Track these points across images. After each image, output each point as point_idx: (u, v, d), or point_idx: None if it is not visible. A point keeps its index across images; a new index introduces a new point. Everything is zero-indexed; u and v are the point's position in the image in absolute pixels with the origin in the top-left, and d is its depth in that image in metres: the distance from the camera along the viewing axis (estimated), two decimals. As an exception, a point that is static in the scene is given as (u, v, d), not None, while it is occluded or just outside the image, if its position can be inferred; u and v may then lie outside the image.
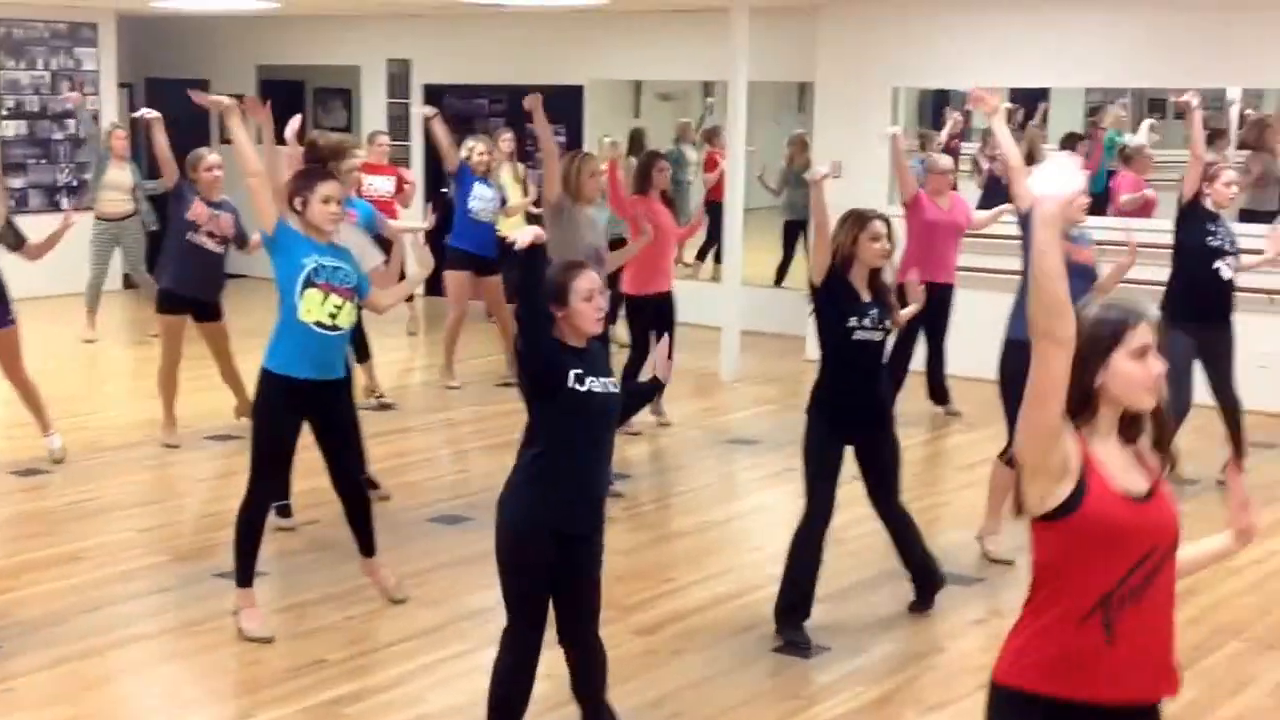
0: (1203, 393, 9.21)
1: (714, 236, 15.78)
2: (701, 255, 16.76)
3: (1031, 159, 15.35)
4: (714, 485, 9.78)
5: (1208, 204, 8.87)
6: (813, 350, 12.85)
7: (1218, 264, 8.86)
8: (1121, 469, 3.44)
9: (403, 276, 7.62)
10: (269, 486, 6.98)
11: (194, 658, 6.67)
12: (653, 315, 10.31)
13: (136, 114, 11.15)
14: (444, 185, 13.24)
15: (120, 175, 14.24)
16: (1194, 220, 8.86)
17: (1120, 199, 13.21)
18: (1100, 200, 12.81)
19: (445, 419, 11.42)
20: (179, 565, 7.86)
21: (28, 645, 6.65)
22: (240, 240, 9.93)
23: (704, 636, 6.91)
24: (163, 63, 18.73)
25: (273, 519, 7.69)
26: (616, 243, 10.70)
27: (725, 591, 7.51)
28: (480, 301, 12.43)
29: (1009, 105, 13.11)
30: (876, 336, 6.75)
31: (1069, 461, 3.37)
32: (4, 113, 16.65)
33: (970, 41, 12.84)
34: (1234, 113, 15.74)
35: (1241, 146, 13.74)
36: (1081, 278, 7.88)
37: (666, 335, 5.91)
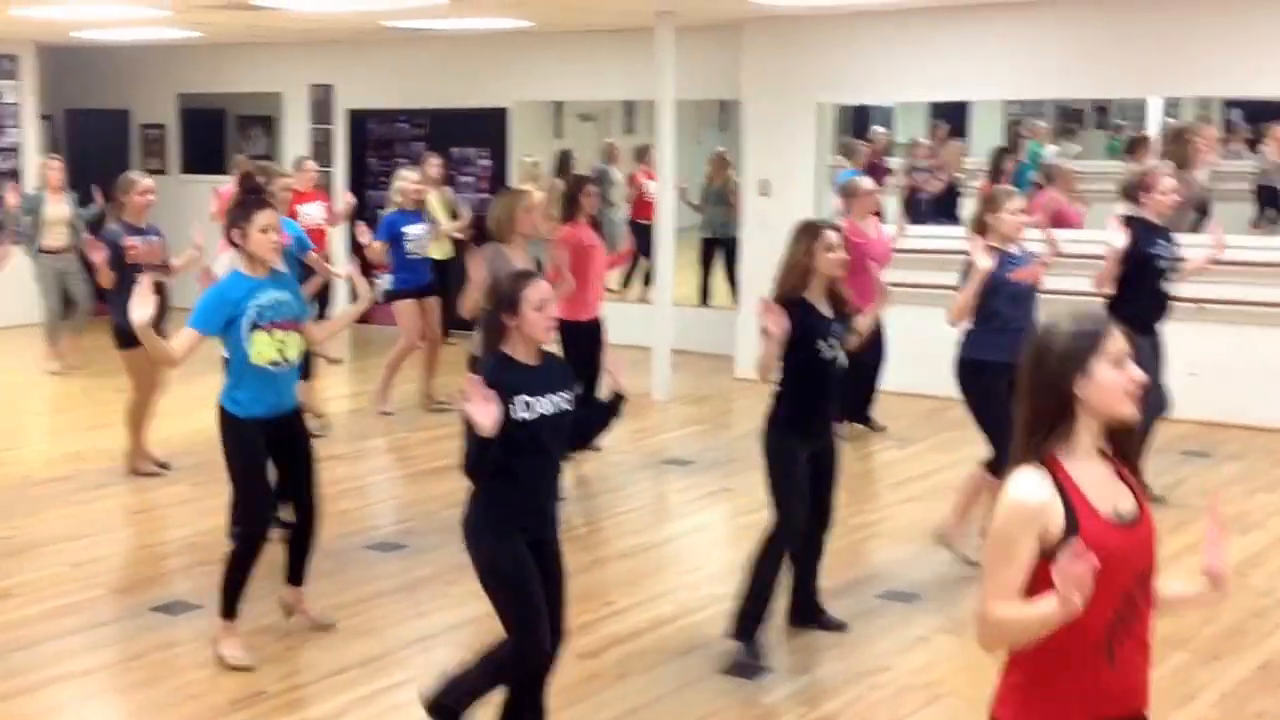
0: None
1: (636, 257, 15.78)
2: (627, 280, 16.71)
3: (953, 190, 15.46)
4: (649, 507, 9.75)
5: (1147, 215, 8.85)
6: (743, 369, 13.05)
7: (1162, 283, 8.87)
8: (1104, 490, 3.38)
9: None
10: (264, 517, 6.87)
11: (132, 693, 6.56)
12: (586, 342, 10.22)
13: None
14: (367, 215, 13.20)
15: (58, 209, 14.02)
16: (1145, 236, 8.82)
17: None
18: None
19: (375, 445, 11.35)
20: (114, 600, 7.74)
21: (-41, 685, 6.54)
22: (165, 266, 9.84)
23: (647, 659, 6.86)
24: (83, 93, 18.58)
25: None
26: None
27: (667, 613, 7.46)
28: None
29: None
30: (840, 353, 6.76)
31: (1049, 528, 3.31)
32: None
33: (893, 57, 12.89)
34: (1155, 123, 15.95)
35: (1163, 157, 13.84)
36: (1028, 299, 7.97)
37: (610, 355, 5.85)
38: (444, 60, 16.11)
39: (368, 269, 9.49)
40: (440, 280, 13.37)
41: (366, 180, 16.82)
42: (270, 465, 6.83)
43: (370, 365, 12.91)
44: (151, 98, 18.46)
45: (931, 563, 8.26)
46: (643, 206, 15.81)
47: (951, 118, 17.21)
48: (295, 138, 17.41)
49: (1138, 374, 3.38)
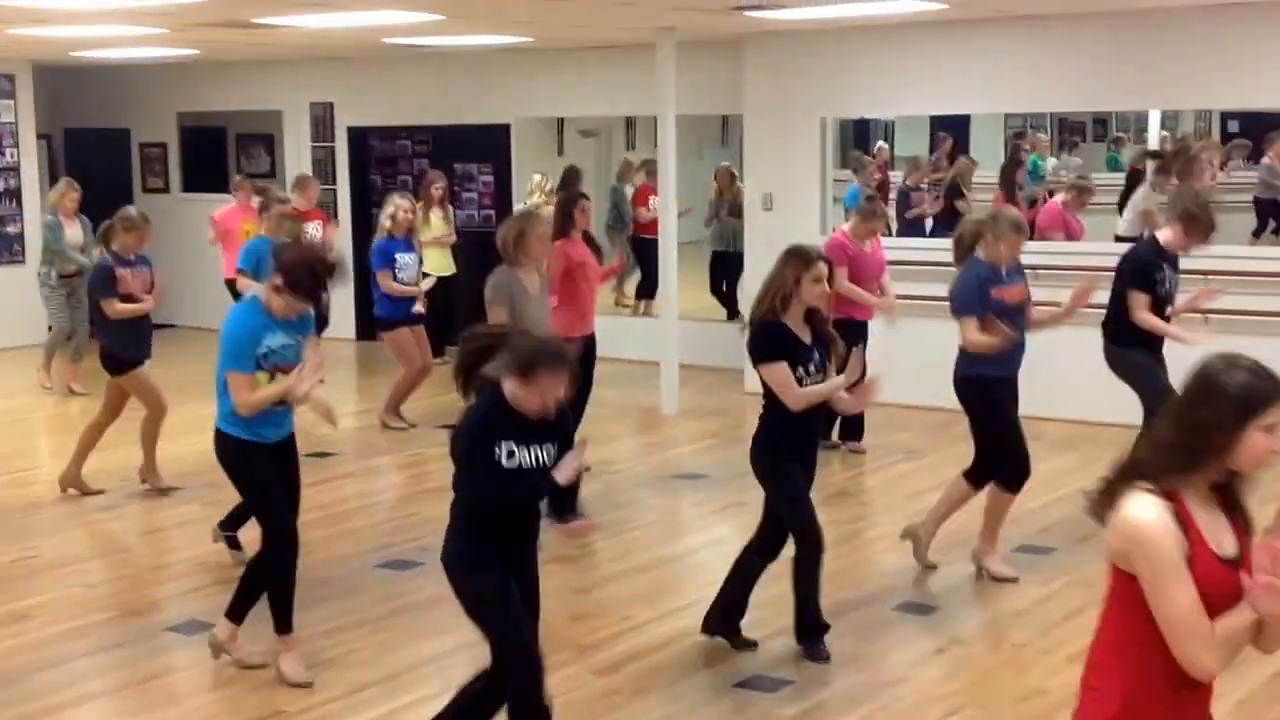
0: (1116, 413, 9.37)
1: (624, 272, 15.79)
2: (640, 294, 16.66)
3: (958, 192, 15.53)
4: (663, 521, 9.74)
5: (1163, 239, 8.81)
6: (752, 383, 12.96)
7: (1168, 310, 8.81)
8: (1216, 530, 3.39)
9: None
10: (288, 530, 6.84)
11: (149, 714, 6.56)
12: (580, 358, 10.14)
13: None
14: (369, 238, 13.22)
15: (74, 234, 13.95)
16: (1154, 265, 8.78)
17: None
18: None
19: (385, 463, 11.35)
20: (128, 621, 7.73)
21: (-21, 707, 6.53)
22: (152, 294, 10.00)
23: (665, 675, 6.87)
24: (81, 113, 18.58)
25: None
26: None
27: (684, 628, 7.44)
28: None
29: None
30: (820, 379, 6.76)
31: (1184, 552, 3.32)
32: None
33: (894, 71, 12.92)
34: (1154, 135, 16.02)
35: (1160, 171, 13.89)
36: (1018, 313, 7.99)
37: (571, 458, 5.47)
38: (445, 77, 16.11)
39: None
40: (444, 295, 13.41)
41: (370, 198, 16.80)
42: None
43: (376, 384, 12.90)
44: (151, 117, 18.45)
45: (947, 575, 8.28)
46: (647, 222, 15.77)
47: (953, 131, 17.27)
48: (296, 156, 17.40)
49: (1277, 443, 3.35)
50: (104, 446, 10.25)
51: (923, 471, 10.61)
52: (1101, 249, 11.87)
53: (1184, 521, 3.32)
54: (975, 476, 8.19)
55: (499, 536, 5.31)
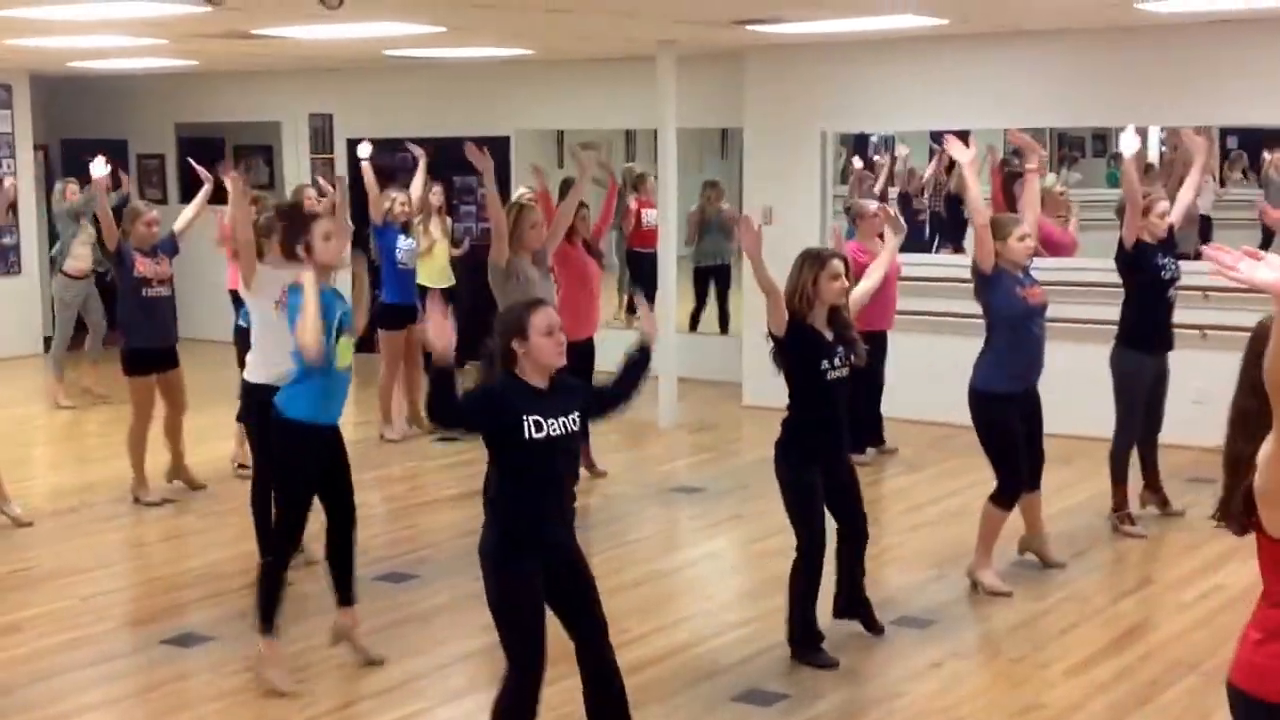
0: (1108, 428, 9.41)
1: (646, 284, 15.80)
2: (632, 307, 16.64)
3: (960, 200, 15.62)
4: (661, 534, 9.73)
5: (1145, 237, 8.99)
6: (751, 397, 13.05)
7: (1170, 292, 9.06)
8: None
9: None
10: (297, 539, 6.95)
11: (146, 726, 6.55)
12: (580, 360, 10.15)
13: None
14: (363, 239, 13.19)
15: (84, 231, 13.82)
16: (1146, 256, 8.96)
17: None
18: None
19: (383, 475, 11.32)
20: (126, 632, 7.74)
21: (-26, 719, 6.51)
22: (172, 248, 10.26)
23: (662, 688, 6.84)
24: (79, 123, 18.56)
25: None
26: None
27: (681, 640, 7.45)
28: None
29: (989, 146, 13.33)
30: (845, 374, 6.91)
31: None
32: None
33: (895, 85, 12.92)
34: (1154, 151, 16.02)
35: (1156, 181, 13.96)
36: (1038, 316, 8.06)
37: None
38: (445, 89, 16.12)
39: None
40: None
41: (367, 209, 16.72)
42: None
43: (372, 395, 12.88)
44: (149, 127, 18.44)
45: (944, 588, 8.27)
46: (639, 235, 15.75)
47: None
48: (295, 167, 17.39)
49: None
50: (94, 458, 10.26)
51: (920, 486, 10.61)
52: (1102, 265, 11.89)
53: None
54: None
55: (533, 528, 5.31)
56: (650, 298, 14.93)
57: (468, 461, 10.31)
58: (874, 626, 7.41)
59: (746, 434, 12.38)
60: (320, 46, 13.47)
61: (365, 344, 14.97)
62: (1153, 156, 16.14)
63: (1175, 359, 9.27)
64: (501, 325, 5.36)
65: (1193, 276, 9.42)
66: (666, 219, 13.00)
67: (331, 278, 6.86)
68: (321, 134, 17.28)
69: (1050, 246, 11.67)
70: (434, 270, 13.80)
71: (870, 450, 11.27)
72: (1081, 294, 11.23)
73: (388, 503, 10.74)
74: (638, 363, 5.73)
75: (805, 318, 6.82)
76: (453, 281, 14.25)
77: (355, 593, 7.17)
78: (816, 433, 6.91)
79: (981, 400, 8.05)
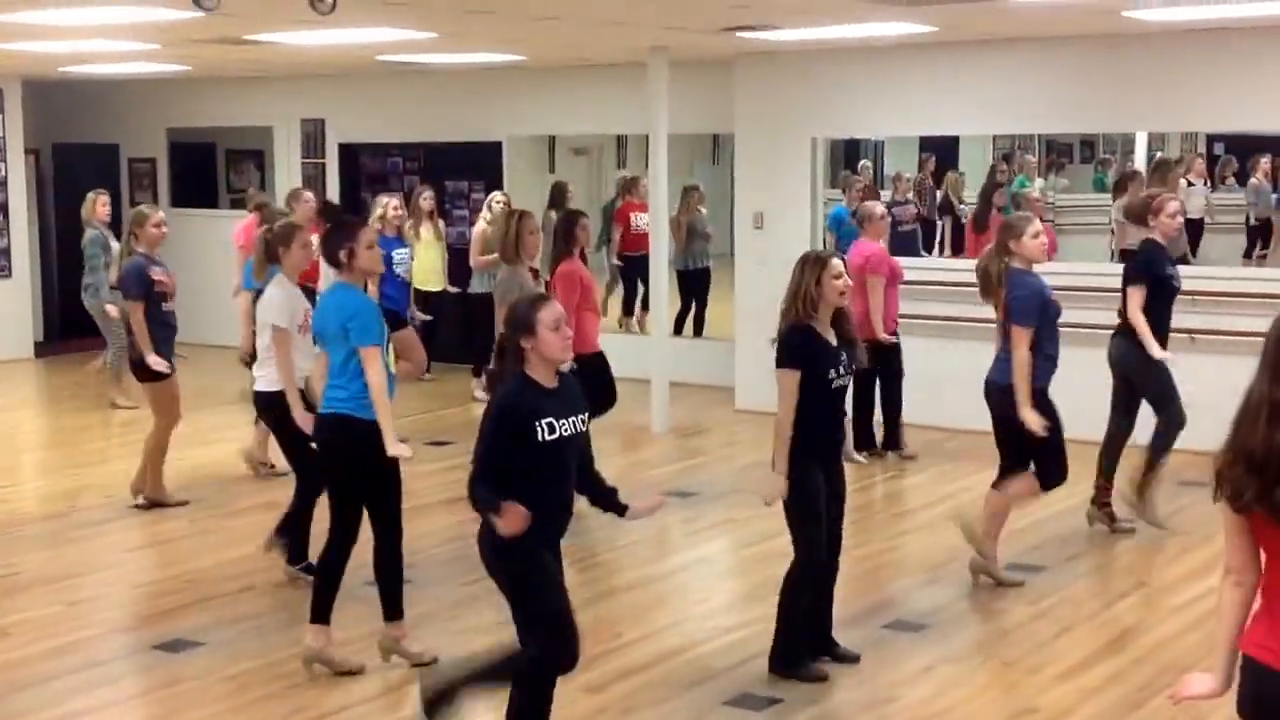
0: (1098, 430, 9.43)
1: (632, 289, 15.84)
2: (625, 310, 16.62)
3: (950, 205, 15.68)
4: (653, 539, 9.69)
5: (1156, 238, 9.00)
6: (743, 401, 13.04)
7: (1171, 307, 9.13)
8: None
9: None
10: (353, 533, 7.01)
11: (135, 732, 6.53)
12: (591, 374, 10.09)
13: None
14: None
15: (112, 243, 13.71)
16: (1159, 262, 8.98)
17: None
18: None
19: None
20: (114, 638, 7.71)
21: (-41, 725, 6.49)
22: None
23: (654, 692, 6.83)
24: (70, 128, 18.52)
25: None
26: None
27: (673, 645, 7.44)
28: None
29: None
30: (849, 380, 6.91)
31: None
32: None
33: (885, 92, 12.95)
34: (1141, 157, 16.05)
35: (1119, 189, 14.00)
36: (1058, 318, 8.12)
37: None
38: (437, 94, 16.10)
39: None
40: (435, 313, 13.39)
41: (361, 214, 16.72)
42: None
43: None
44: (141, 132, 18.41)
45: (937, 592, 8.28)
46: (630, 239, 15.74)
47: (941, 151, 17.29)
48: (286, 172, 17.36)
49: None
50: (89, 463, 10.22)
51: (917, 489, 10.61)
52: (1092, 269, 11.90)
53: None
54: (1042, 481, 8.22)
55: (539, 523, 5.34)
56: (644, 302, 15.02)
57: (456, 467, 10.28)
58: (847, 658, 7.18)
59: (740, 438, 12.35)
60: (312, 52, 13.45)
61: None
62: (1140, 164, 16.17)
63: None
64: (510, 324, 5.42)
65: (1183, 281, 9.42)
66: (658, 224, 12.99)
67: (365, 284, 7.02)
68: (313, 139, 17.26)
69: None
70: (424, 272, 13.85)
71: (890, 454, 11.41)
72: (1066, 299, 11.20)
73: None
74: (609, 507, 5.88)
75: (810, 320, 6.76)
76: (443, 284, 14.30)
77: (403, 606, 7.19)
78: (819, 437, 6.86)
79: (999, 393, 8.04)
